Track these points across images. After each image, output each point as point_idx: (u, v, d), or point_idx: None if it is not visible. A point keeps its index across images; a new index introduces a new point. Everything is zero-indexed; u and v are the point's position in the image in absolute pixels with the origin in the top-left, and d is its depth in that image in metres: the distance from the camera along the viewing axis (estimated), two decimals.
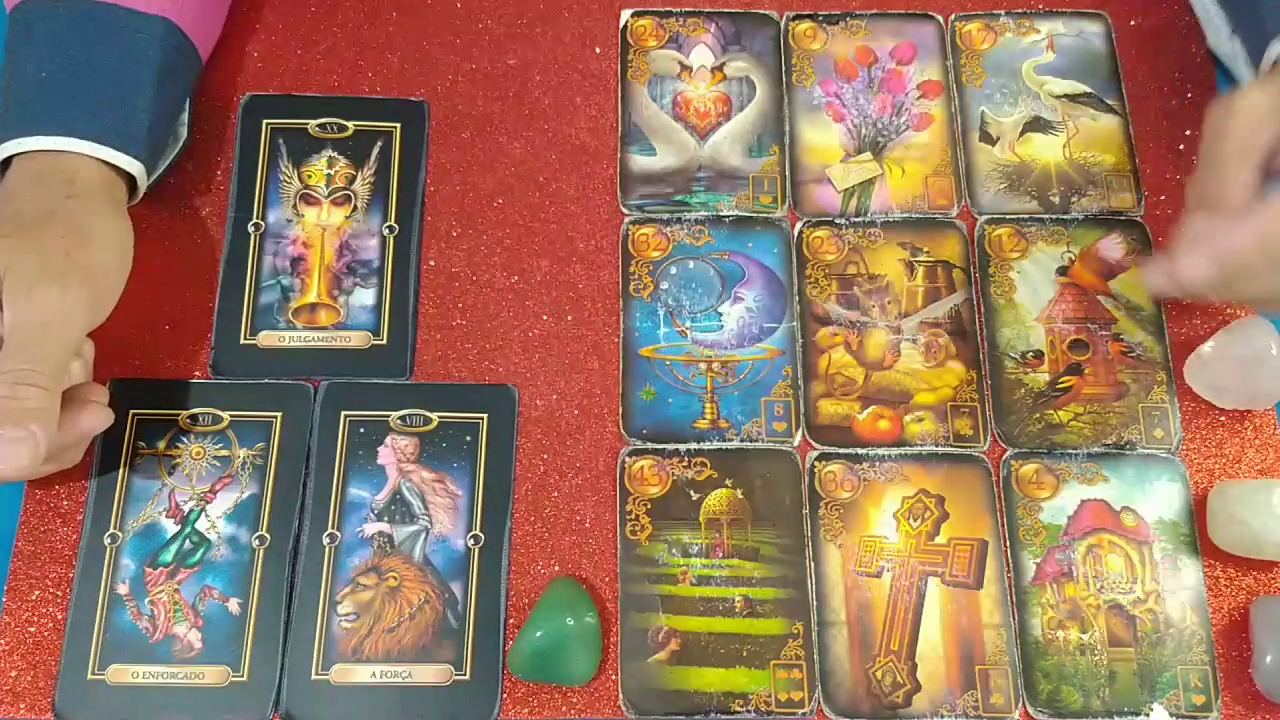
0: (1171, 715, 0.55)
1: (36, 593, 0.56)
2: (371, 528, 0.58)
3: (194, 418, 0.59)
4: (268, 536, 0.57)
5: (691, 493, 0.59)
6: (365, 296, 0.62)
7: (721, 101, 0.68)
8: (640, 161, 0.66)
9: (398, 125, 0.66)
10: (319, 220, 0.64)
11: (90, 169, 0.56)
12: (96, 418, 0.54)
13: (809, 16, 0.70)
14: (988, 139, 0.67)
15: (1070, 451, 0.60)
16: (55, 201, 0.53)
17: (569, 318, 0.63)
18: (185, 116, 0.64)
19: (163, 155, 0.61)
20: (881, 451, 0.60)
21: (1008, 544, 0.58)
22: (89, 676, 0.54)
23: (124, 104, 0.57)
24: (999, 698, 0.55)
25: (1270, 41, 0.58)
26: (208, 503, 0.58)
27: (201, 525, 0.57)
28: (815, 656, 0.56)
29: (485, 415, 0.60)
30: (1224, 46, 0.66)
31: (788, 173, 0.66)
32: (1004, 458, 0.60)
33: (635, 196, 0.65)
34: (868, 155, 0.66)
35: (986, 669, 0.56)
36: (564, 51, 0.69)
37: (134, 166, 0.57)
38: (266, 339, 0.61)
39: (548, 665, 0.54)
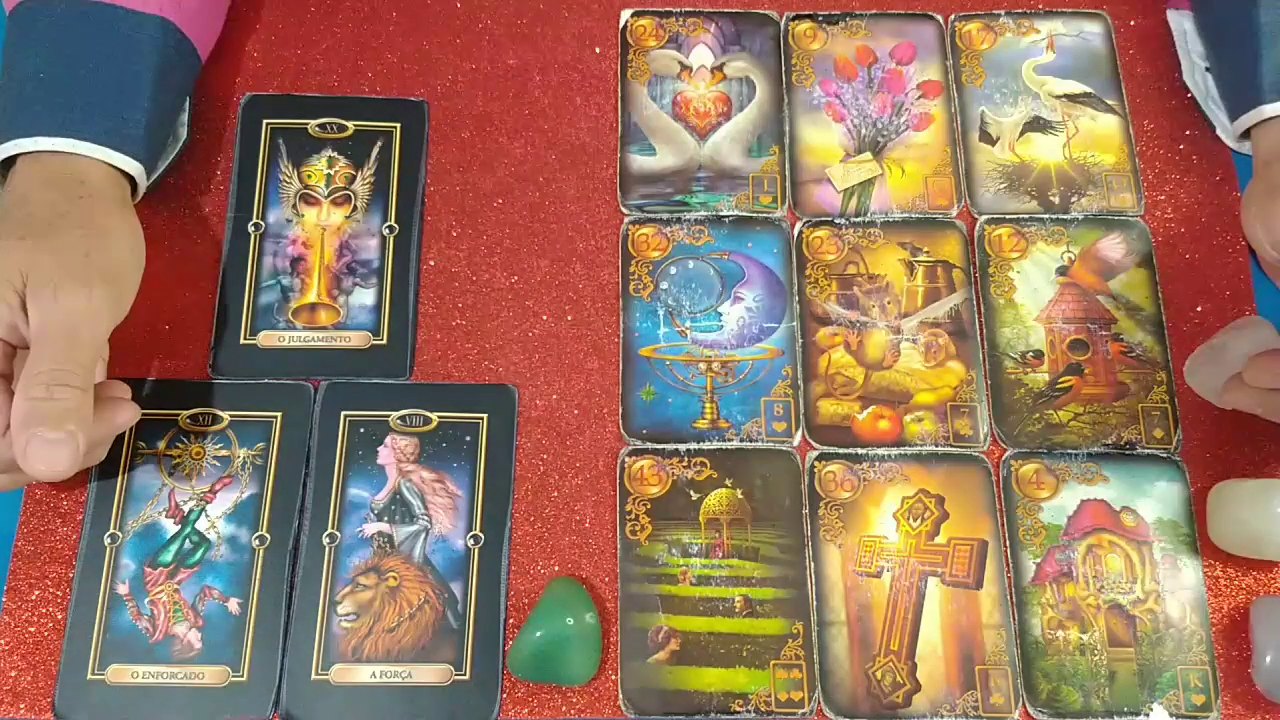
0: (1171, 715, 0.55)
1: (36, 593, 0.56)
2: (371, 528, 0.58)
3: (194, 418, 0.59)
4: (268, 536, 0.57)
5: (691, 493, 0.59)
6: (365, 296, 0.62)
7: (721, 101, 0.68)
8: (640, 161, 0.66)
9: (397, 125, 0.66)
10: (319, 220, 0.64)
11: (97, 169, 0.56)
12: (127, 413, 0.54)
13: (809, 16, 0.70)
14: (988, 139, 0.67)
15: (1070, 451, 0.60)
16: (68, 202, 0.53)
17: (569, 318, 0.63)
18: (185, 116, 0.64)
19: (162, 155, 0.61)
20: (881, 451, 0.60)
21: (1008, 544, 0.58)
22: (89, 676, 0.54)
23: (123, 104, 0.57)
24: (999, 698, 0.55)
25: (1261, 104, 0.61)
26: (208, 503, 0.58)
27: (201, 525, 0.57)
28: (815, 656, 0.56)
29: (485, 415, 0.60)
30: (1195, 80, 0.67)
31: (787, 173, 0.66)
32: (1004, 458, 0.60)
33: (635, 196, 0.65)
34: (867, 155, 0.66)
35: (986, 669, 0.56)
36: (564, 51, 0.69)
37: (133, 167, 0.57)
38: (266, 339, 0.61)
39: (548, 665, 0.54)
